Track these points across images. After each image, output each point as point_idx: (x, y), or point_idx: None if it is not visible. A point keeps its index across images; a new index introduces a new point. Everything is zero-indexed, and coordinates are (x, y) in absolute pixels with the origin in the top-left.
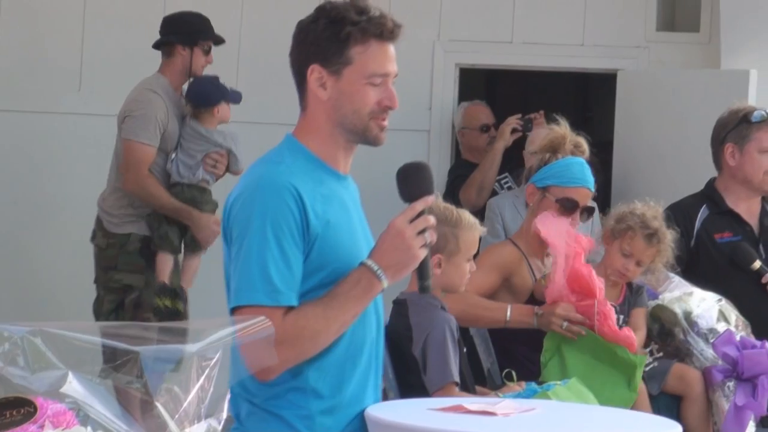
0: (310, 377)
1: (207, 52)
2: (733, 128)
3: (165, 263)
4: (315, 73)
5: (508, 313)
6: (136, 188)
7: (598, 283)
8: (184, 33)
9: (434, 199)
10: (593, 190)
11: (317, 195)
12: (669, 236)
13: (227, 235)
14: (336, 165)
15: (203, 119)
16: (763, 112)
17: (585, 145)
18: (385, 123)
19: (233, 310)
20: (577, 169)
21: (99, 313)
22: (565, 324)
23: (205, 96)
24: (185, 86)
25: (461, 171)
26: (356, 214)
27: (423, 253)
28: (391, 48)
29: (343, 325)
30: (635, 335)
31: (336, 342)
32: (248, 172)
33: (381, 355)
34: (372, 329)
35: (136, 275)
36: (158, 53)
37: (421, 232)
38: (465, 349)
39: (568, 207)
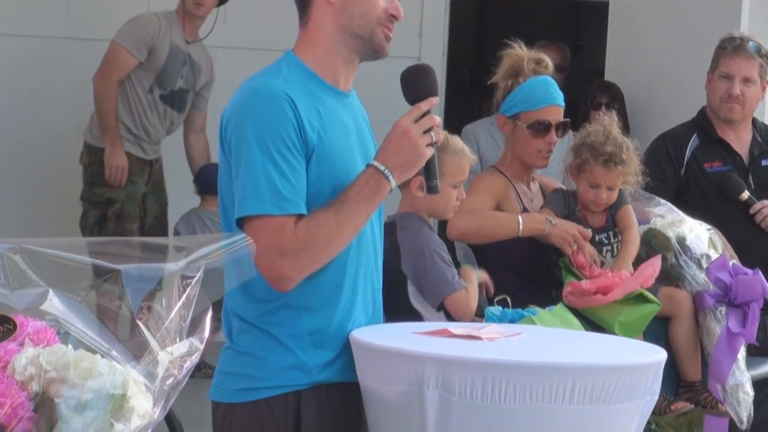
0: (301, 293)
1: None
2: (714, 56)
3: None
4: None
5: (520, 222)
6: (99, 87)
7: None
8: None
9: (438, 101)
10: (562, 104)
11: (312, 109)
12: (627, 151)
13: (225, 146)
14: (336, 81)
15: (206, 203)
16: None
17: (547, 60)
18: (391, 33)
19: (240, 221)
20: (541, 89)
21: (84, 228)
22: (575, 246)
23: (213, 186)
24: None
25: None
26: (357, 131)
27: (429, 152)
28: None
29: (356, 228)
30: (628, 241)
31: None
32: (244, 85)
33: (379, 282)
34: (369, 252)
35: (117, 189)
36: None
37: (427, 131)
38: None
39: (541, 129)
